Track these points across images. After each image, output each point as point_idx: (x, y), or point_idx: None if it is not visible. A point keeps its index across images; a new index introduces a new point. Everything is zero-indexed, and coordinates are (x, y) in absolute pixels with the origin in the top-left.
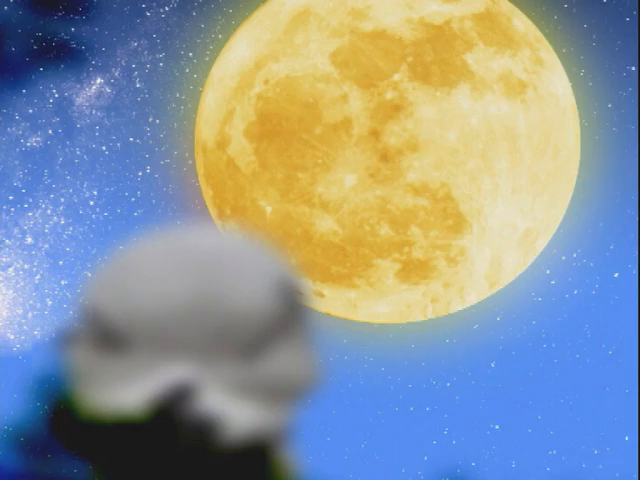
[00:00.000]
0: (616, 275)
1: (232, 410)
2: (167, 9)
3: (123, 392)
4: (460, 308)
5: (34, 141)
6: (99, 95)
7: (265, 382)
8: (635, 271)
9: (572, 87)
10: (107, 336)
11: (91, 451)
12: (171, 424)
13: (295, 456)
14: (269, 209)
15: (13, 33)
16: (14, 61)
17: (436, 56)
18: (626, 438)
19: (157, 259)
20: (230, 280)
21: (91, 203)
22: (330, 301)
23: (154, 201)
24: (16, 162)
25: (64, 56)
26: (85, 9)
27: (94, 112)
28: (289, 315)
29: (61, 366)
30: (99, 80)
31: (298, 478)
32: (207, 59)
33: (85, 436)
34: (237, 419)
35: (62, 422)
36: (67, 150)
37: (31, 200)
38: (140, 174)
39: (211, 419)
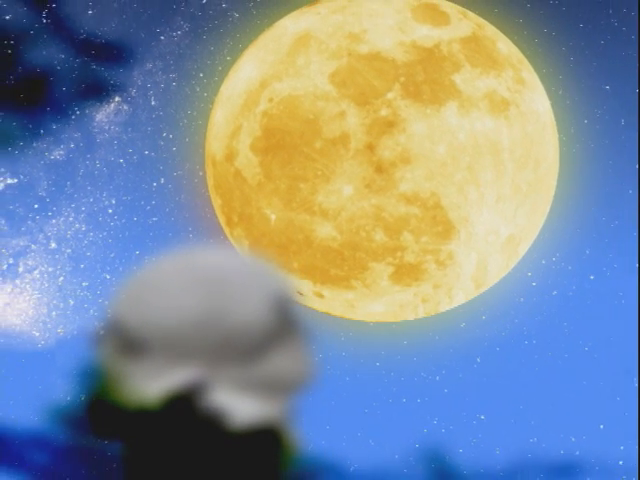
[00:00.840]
0: (592, 277)
1: (236, 404)
2: (179, 33)
3: (144, 390)
4: (448, 308)
5: (57, 154)
6: (117, 112)
7: (264, 380)
8: (610, 273)
9: (551, 105)
10: (130, 343)
11: (118, 434)
12: (183, 415)
13: (297, 441)
14: (273, 217)
15: (39, 55)
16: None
17: (426, 76)
18: (601, 427)
19: (172, 277)
20: (234, 295)
21: (110, 211)
22: (329, 301)
23: (167, 209)
24: (41, 173)
25: (85, 76)
26: (104, 34)
27: (112, 128)
28: (284, 324)
29: (88, 361)
30: (117, 98)
31: (300, 461)
32: (216, 79)
33: (112, 422)
34: (241, 412)
35: (94, 412)
36: (88, 162)
37: (55, 208)
38: (155, 184)
39: (217, 411)
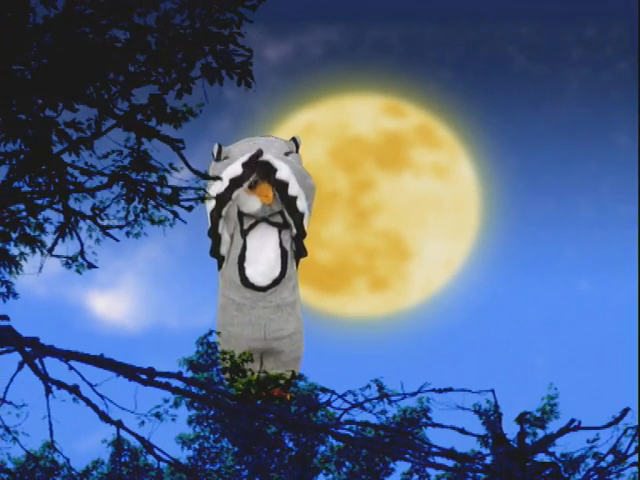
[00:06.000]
0: (502, 288)
1: (278, 163)
2: (224, 125)
3: (235, 165)
4: (407, 307)
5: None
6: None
7: (292, 163)
8: (514, 285)
9: (476, 172)
10: (224, 157)
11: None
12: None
13: (304, 378)
14: None
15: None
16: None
17: (391, 151)
18: (516, 402)
19: (245, 142)
20: (274, 144)
21: (181, 244)
22: (326, 303)
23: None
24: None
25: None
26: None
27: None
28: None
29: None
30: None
31: (303, 387)
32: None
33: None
34: (281, 168)
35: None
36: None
37: (145, 241)
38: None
39: (274, 164)
